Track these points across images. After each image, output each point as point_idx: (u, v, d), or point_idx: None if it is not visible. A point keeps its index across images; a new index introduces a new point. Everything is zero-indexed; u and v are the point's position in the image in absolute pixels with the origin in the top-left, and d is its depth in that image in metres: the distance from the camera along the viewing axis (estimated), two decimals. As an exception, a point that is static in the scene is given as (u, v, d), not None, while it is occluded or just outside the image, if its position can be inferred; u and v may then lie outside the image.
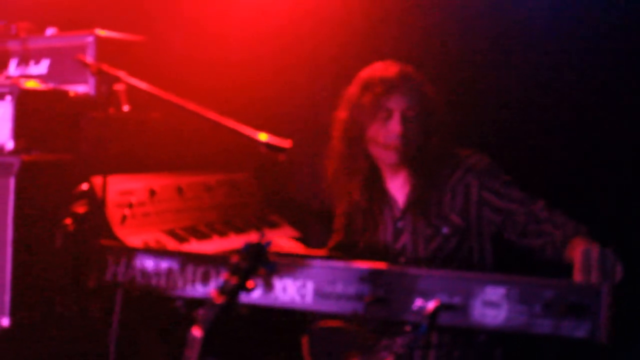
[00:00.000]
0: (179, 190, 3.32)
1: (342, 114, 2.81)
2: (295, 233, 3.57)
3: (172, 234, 3.15)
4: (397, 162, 2.72)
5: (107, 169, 2.91)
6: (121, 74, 2.86)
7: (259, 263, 2.13)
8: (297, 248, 3.17)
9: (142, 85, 2.86)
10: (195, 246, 3.13)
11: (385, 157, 2.73)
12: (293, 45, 3.83)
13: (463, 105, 3.18)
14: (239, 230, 3.42)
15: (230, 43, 3.89)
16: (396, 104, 2.68)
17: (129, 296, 2.80)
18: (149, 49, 3.63)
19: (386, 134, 2.69)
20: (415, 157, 2.72)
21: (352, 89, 2.78)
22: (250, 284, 2.12)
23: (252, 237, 3.37)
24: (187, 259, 2.59)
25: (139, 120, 3.33)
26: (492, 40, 3.36)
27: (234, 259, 2.15)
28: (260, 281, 2.27)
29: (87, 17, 3.95)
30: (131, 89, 2.89)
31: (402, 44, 3.51)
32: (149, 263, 2.63)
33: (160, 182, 3.27)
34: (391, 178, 2.81)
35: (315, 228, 3.71)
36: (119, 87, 2.86)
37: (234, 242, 3.29)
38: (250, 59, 3.86)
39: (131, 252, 2.69)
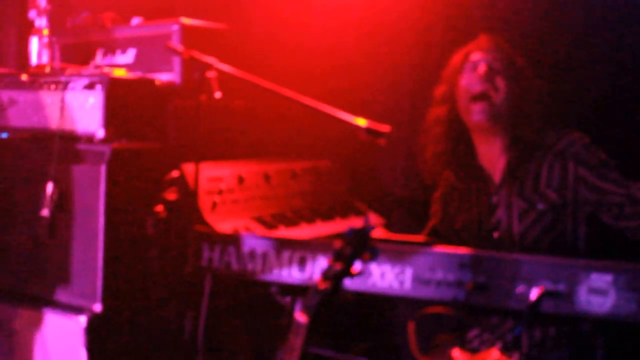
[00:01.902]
0: (266, 177, 3.34)
1: (438, 89, 2.83)
2: (379, 220, 3.56)
3: (261, 220, 3.16)
4: (485, 116, 2.69)
5: (196, 156, 2.92)
6: (212, 61, 2.87)
7: (363, 248, 2.11)
8: (385, 235, 3.16)
9: (234, 71, 2.86)
10: (283, 233, 3.14)
11: (473, 111, 2.70)
12: (377, 30, 3.80)
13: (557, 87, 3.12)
14: (325, 217, 3.42)
15: (313, 29, 3.88)
16: (482, 56, 2.74)
17: (218, 282, 2.81)
18: (232, 37, 3.64)
19: (472, 81, 2.71)
20: (509, 123, 2.70)
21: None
22: (354, 269, 2.10)
23: (338, 224, 3.39)
24: (283, 245, 2.58)
25: (227, 107, 3.34)
26: (585, 19, 3.28)
27: (338, 244, 2.13)
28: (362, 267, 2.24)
29: (170, 6, 3.99)
30: (222, 76, 2.89)
31: (489, 27, 3.45)
32: (244, 249, 2.63)
33: (248, 169, 3.29)
34: (485, 151, 2.78)
35: (398, 215, 3.68)
36: (210, 74, 2.86)
37: (321, 229, 3.29)
38: (334, 44, 3.84)
39: (226, 238, 2.70)
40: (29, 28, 3.93)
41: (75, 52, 3.79)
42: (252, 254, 2.62)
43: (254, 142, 3.47)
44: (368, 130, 2.49)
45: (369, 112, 3.10)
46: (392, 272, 2.41)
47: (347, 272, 2.10)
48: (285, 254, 2.56)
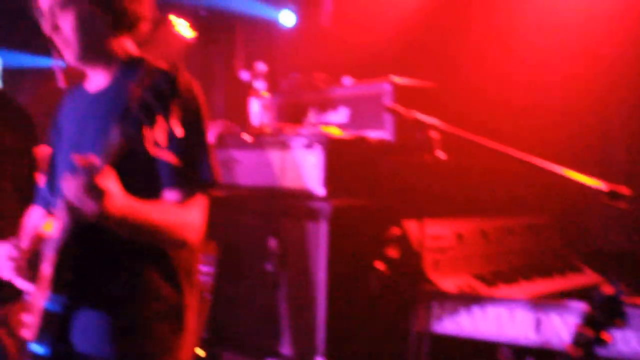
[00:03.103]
0: (484, 234, 3.34)
1: None
2: (597, 278, 3.46)
3: (481, 278, 3.16)
4: None
5: (418, 214, 2.97)
6: (435, 121, 2.92)
7: (615, 314, 2.06)
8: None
9: (456, 131, 2.89)
10: (503, 290, 3.12)
11: None
12: (583, 86, 3.75)
13: None
14: (543, 274, 3.37)
15: (520, 84, 3.87)
16: None
17: (441, 339, 2.82)
18: (441, 94, 3.69)
19: None
20: None
21: None
22: (606, 336, 2.06)
23: (557, 281, 3.33)
24: (517, 305, 2.57)
25: (442, 165, 3.37)
26: None
27: (587, 308, 2.09)
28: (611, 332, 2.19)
29: (376, 64, 4.10)
30: (444, 135, 2.93)
31: None
32: (476, 308, 2.64)
33: (466, 226, 3.30)
34: None
35: (616, 272, 3.57)
36: (432, 134, 2.91)
37: (540, 286, 3.24)
38: (542, 99, 3.82)
39: (457, 298, 2.72)
40: (236, 87, 4.15)
41: (289, 111, 3.98)
42: (485, 314, 2.62)
43: (470, 198, 3.49)
44: (609, 194, 2.42)
45: (580, 167, 3.05)
46: (635, 338, 2.34)
47: (599, 340, 2.06)
48: (519, 315, 2.55)
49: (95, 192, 1.65)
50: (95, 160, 1.65)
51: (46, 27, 1.95)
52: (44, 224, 2.01)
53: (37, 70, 6.16)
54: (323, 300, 3.11)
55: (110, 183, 1.69)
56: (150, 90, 1.59)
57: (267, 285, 3.28)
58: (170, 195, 1.90)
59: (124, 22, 1.98)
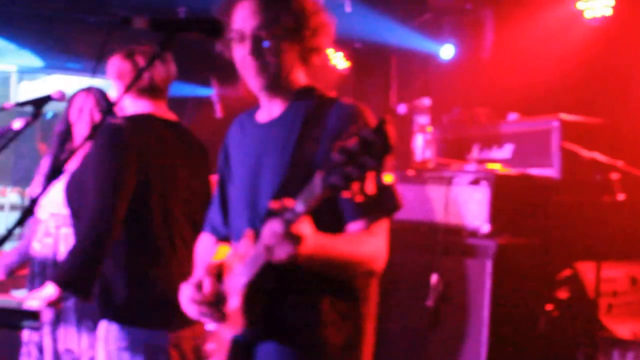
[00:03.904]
0: (657, 279, 3.21)
1: None
2: None
3: (658, 325, 3.03)
4: None
5: (586, 255, 2.88)
6: (619, 163, 2.85)
7: None
8: None
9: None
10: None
11: None
12: None
13: None
14: None
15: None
16: None
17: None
18: (609, 130, 3.58)
19: None
20: None
21: None
22: None
23: None
24: None
25: (616, 205, 3.27)
26: None
27: None
28: None
29: (535, 100, 4.02)
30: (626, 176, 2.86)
31: None
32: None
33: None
34: None
35: None
36: (613, 175, 2.83)
37: None
38: None
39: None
40: (391, 120, 4.14)
41: (450, 146, 3.95)
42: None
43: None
44: None
45: None
46: None
47: None
48: None
49: (292, 239, 1.66)
50: (292, 204, 1.64)
51: (246, 49, 1.95)
52: (215, 253, 2.04)
53: (196, 100, 6.39)
54: (485, 340, 3.06)
55: (306, 228, 1.69)
56: (359, 142, 1.47)
57: (427, 321, 3.25)
58: (355, 226, 1.87)
59: (309, 55, 1.99)
